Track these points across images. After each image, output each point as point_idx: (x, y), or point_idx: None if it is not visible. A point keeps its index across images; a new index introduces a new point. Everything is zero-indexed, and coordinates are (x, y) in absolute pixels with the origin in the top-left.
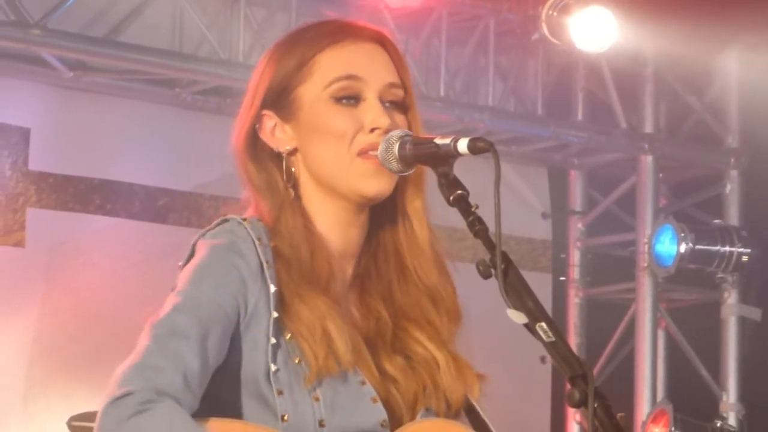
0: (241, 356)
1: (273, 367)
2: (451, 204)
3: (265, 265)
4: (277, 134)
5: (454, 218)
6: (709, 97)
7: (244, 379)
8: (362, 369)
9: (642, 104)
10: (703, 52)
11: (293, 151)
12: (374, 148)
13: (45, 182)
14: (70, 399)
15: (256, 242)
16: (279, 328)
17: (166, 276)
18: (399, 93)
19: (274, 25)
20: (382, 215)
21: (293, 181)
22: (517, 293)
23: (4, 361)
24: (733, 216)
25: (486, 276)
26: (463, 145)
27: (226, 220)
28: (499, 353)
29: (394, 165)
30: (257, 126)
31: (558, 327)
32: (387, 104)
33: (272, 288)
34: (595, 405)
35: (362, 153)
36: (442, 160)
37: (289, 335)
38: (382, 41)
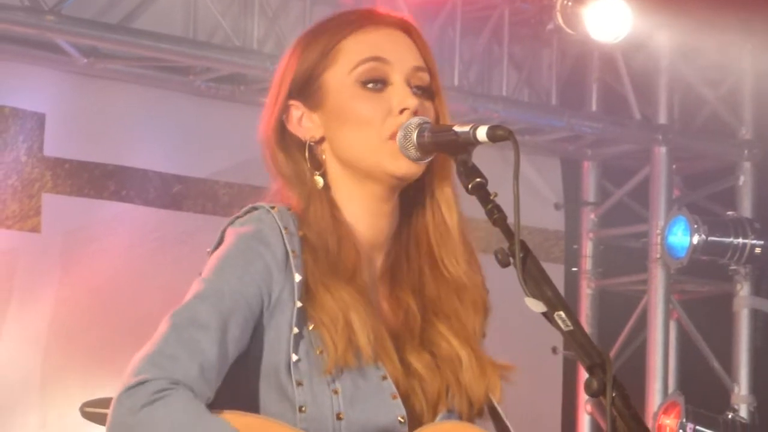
0: (264, 346)
1: (294, 357)
2: (469, 192)
3: (291, 254)
4: (305, 123)
5: (466, 208)
6: (723, 89)
7: (264, 370)
8: (385, 363)
9: (656, 95)
10: (718, 44)
11: (321, 140)
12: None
13: (60, 168)
14: (87, 385)
15: (283, 231)
16: (302, 318)
17: (180, 262)
18: (425, 77)
19: (288, 12)
20: (411, 205)
21: (322, 170)
22: (536, 282)
23: (21, 347)
24: (746, 208)
25: (504, 264)
26: (482, 132)
27: (255, 208)
28: (510, 343)
29: (413, 152)
30: (284, 117)
31: (576, 316)
32: (414, 89)
33: (297, 277)
34: (613, 394)
35: (393, 137)
36: (461, 147)
37: (312, 326)
38: (405, 27)
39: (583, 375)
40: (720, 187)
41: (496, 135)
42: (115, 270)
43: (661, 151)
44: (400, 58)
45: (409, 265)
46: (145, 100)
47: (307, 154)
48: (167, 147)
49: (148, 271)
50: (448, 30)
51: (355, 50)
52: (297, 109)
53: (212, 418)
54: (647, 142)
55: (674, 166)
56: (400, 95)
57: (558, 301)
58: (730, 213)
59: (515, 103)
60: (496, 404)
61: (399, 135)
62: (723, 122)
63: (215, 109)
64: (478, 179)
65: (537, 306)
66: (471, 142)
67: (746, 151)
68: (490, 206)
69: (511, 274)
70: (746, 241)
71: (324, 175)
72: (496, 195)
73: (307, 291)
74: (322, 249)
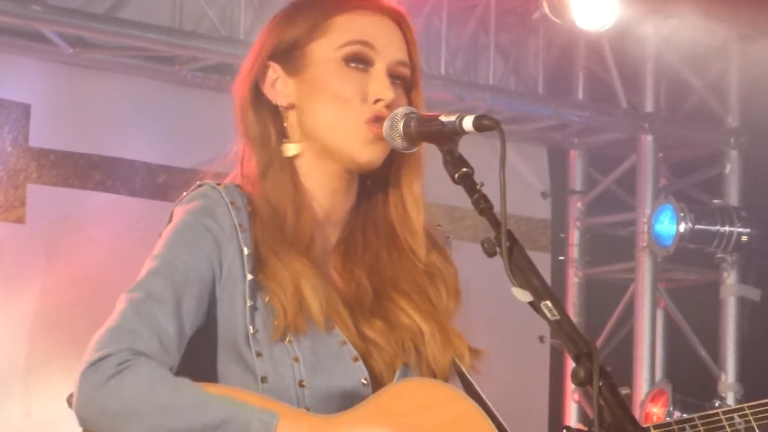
0: (220, 319)
1: (251, 329)
2: (456, 181)
3: (238, 228)
4: (278, 87)
5: (454, 197)
6: (710, 77)
7: (223, 342)
8: (341, 329)
9: (643, 84)
10: (704, 32)
11: (290, 107)
12: (378, 117)
13: (45, 158)
14: (72, 375)
15: (230, 206)
16: (255, 290)
17: None
18: (406, 71)
19: (274, 1)
20: (376, 190)
21: (285, 136)
22: (522, 271)
23: (6, 338)
24: (732, 196)
25: (491, 254)
26: (468, 122)
27: (200, 185)
28: (497, 332)
29: (399, 142)
30: (260, 77)
31: (563, 305)
32: (393, 79)
33: (246, 250)
34: (600, 383)
35: (369, 122)
36: (447, 137)
37: (267, 297)
38: (398, 18)
39: (571, 364)
40: (707, 176)
41: (482, 125)
42: (100, 261)
43: (648, 139)
44: (388, 47)
45: (366, 246)
46: (132, 90)
47: (277, 119)
48: (153, 137)
49: (133, 262)
50: (434, 19)
51: (347, 29)
52: (274, 72)
53: (178, 379)
54: (634, 130)
55: (661, 155)
56: (379, 84)
57: (544, 291)
58: (716, 201)
59: (502, 91)
60: (464, 370)
61: (385, 125)
62: (710, 110)
63: (202, 99)
64: (464, 169)
65: (524, 296)
66: (457, 132)
67: (733, 140)
68: (476, 196)
69: (498, 263)
70: (733, 229)
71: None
72: (482, 185)
73: (258, 261)
74: (276, 218)
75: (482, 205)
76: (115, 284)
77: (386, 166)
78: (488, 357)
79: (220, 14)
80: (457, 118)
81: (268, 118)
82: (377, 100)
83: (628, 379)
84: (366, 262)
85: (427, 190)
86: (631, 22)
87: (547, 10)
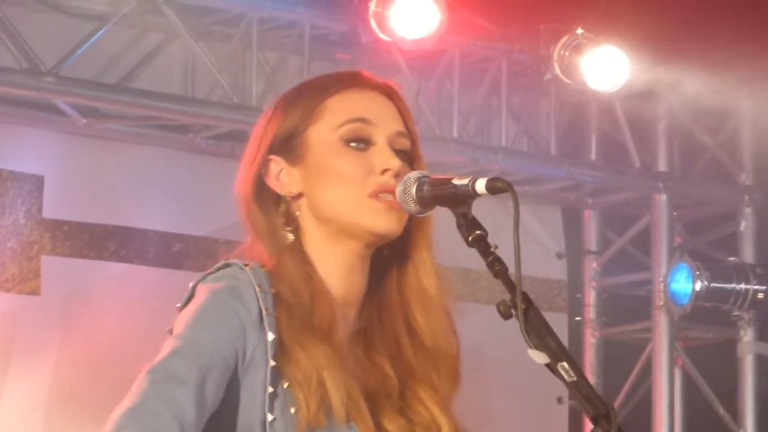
0: (238, 403)
1: (269, 417)
2: (470, 244)
3: (264, 312)
4: (283, 178)
5: (468, 259)
6: (723, 135)
7: (239, 427)
8: (358, 425)
9: (655, 143)
10: (716, 90)
11: (298, 196)
12: (386, 189)
13: (59, 229)
14: None
15: (257, 289)
16: (277, 376)
17: None
18: (406, 143)
19: (286, 68)
20: (386, 266)
21: (295, 226)
22: (538, 333)
23: (22, 410)
24: (748, 253)
25: (507, 317)
26: (481, 185)
27: (228, 265)
28: (515, 394)
29: (412, 206)
30: (263, 171)
31: (579, 366)
32: (396, 152)
33: (270, 336)
34: None
35: (374, 195)
36: (461, 200)
37: (287, 384)
38: (389, 92)
39: (590, 425)
40: (721, 233)
41: (494, 187)
42: (116, 331)
43: (662, 198)
44: (385, 120)
45: (383, 328)
46: (145, 158)
47: (282, 208)
48: (167, 206)
49: (149, 332)
50: (446, 83)
51: (341, 109)
52: (276, 164)
53: None
54: (647, 189)
55: (675, 213)
56: (384, 156)
57: (561, 352)
58: (732, 259)
59: (515, 153)
60: None
61: (398, 189)
62: (723, 168)
63: (215, 167)
64: (478, 232)
65: (540, 357)
66: (470, 195)
67: (747, 197)
68: (490, 258)
69: (514, 325)
70: (749, 286)
71: (296, 231)
72: (496, 247)
73: (282, 347)
74: (296, 305)
75: (497, 267)
76: (130, 355)
77: (395, 244)
78: (507, 419)
79: (232, 82)
80: (470, 181)
81: (275, 211)
82: (384, 171)
83: None
84: (388, 348)
85: (441, 253)
86: (642, 81)
87: (558, 71)
